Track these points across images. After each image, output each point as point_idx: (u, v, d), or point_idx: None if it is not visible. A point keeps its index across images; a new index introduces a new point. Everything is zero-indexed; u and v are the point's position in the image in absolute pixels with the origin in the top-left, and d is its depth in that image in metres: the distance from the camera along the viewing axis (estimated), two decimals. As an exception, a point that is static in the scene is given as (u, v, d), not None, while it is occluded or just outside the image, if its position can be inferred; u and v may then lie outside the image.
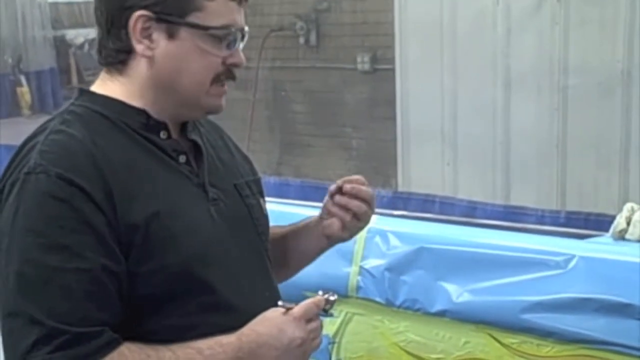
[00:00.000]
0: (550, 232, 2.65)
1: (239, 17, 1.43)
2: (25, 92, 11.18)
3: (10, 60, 11.32)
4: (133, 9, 1.36)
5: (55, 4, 12.07)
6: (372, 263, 2.23)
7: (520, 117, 5.17)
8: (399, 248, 2.19)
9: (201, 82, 1.42)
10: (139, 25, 1.37)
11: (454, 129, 5.49)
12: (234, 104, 7.03)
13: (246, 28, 1.46)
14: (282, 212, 2.40)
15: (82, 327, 1.25)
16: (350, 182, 1.60)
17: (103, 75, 1.46)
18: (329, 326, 2.18)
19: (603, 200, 4.77)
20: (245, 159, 1.67)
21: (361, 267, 2.23)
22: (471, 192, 5.21)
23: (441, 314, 2.03)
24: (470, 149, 5.44)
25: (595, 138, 4.92)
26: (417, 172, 5.72)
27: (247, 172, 1.63)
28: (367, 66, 6.39)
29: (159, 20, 1.37)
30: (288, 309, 1.40)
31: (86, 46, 11.64)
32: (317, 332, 1.42)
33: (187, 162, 1.45)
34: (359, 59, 6.42)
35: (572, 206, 4.77)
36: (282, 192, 4.27)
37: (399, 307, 2.15)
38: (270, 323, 1.38)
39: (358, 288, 2.21)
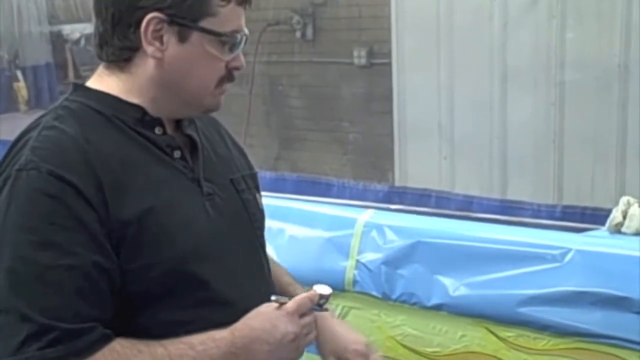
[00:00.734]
0: (546, 225, 2.65)
1: (243, 22, 1.44)
2: (21, 87, 11.17)
3: (6, 56, 11.30)
4: (146, 9, 1.36)
5: (52, -2, 12.05)
6: (368, 257, 2.23)
7: (517, 111, 5.17)
8: (395, 242, 2.19)
9: (207, 86, 1.42)
10: (151, 27, 1.36)
11: (450, 123, 5.49)
12: (230, 99, 6.98)
13: (247, 31, 1.46)
14: (278, 206, 2.40)
15: (73, 324, 1.25)
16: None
17: (101, 70, 1.45)
18: (326, 320, 2.17)
19: (600, 194, 4.77)
20: (242, 153, 1.67)
21: (357, 261, 2.23)
22: (468, 186, 5.21)
23: (438, 307, 2.03)
24: (467, 143, 5.44)
25: (593, 132, 4.91)
26: (414, 167, 5.72)
27: (243, 166, 1.63)
28: (363, 60, 6.38)
29: (171, 23, 1.37)
30: (282, 304, 1.40)
31: (82, 41, 11.61)
32: (310, 327, 1.42)
33: (182, 157, 1.45)
34: (355, 53, 6.40)
35: (569, 200, 4.77)
36: (279, 187, 4.26)
37: (395, 301, 2.15)
38: (264, 318, 1.38)
39: (354, 282, 2.21)
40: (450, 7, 5.34)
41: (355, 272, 2.24)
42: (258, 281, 1.52)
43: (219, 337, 1.35)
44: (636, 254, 1.88)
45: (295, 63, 6.89)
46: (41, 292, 1.25)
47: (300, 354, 1.43)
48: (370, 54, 6.35)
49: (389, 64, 5.83)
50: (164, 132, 1.44)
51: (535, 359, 1.91)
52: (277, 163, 6.98)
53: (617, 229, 2.10)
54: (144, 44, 1.37)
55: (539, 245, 2.00)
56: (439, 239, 2.12)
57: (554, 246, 1.97)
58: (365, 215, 2.29)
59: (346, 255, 2.25)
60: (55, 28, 11.79)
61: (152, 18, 1.36)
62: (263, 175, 4.21)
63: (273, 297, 1.41)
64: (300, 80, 6.92)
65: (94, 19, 1.44)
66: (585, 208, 4.06)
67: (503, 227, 2.32)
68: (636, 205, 2.09)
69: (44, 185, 1.27)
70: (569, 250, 1.94)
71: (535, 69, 5.06)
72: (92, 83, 1.44)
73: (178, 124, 1.49)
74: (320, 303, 1.43)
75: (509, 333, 1.95)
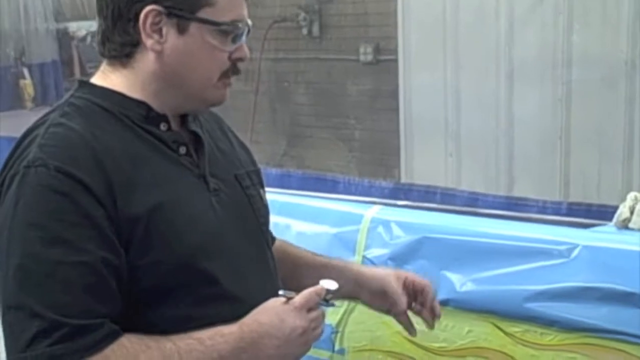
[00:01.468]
0: (553, 221, 2.65)
1: (244, 12, 1.44)
2: (27, 84, 11.17)
3: (12, 53, 11.31)
4: (144, 2, 1.36)
5: (58, -4, 12.05)
6: (375, 253, 2.22)
7: (524, 108, 5.16)
8: (402, 238, 2.18)
9: (209, 78, 1.42)
10: (149, 20, 1.37)
11: (456, 120, 5.48)
12: (236, 96, 7.03)
13: (249, 21, 1.46)
14: (285, 202, 2.40)
15: (82, 320, 1.25)
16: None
17: (104, 67, 1.45)
18: (332, 315, 2.18)
19: (606, 191, 4.76)
20: (245, 149, 1.67)
21: (364, 257, 2.23)
22: (474, 183, 5.21)
23: (444, 303, 2.03)
24: (473, 140, 5.44)
25: (599, 129, 4.90)
26: (420, 164, 5.72)
27: (247, 162, 1.63)
28: (369, 57, 6.38)
29: (169, 15, 1.37)
30: (289, 299, 1.40)
31: (88, 38, 11.60)
32: (318, 322, 1.42)
33: (188, 154, 1.45)
34: (361, 50, 6.40)
35: (575, 197, 4.76)
36: (284, 184, 4.26)
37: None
38: (272, 312, 1.38)
39: (361, 278, 2.20)
40: (456, 4, 5.34)
41: (362, 267, 2.23)
42: (264, 277, 1.52)
43: (227, 332, 1.35)
44: (643, 249, 1.88)
45: (302, 60, 6.90)
46: (51, 288, 1.25)
47: (308, 349, 1.43)
48: (377, 51, 6.35)
49: (395, 61, 5.84)
50: (169, 128, 1.44)
51: (542, 354, 1.91)
52: (283, 160, 6.98)
53: (624, 225, 2.09)
54: (143, 37, 1.38)
55: (546, 241, 1.99)
56: (445, 235, 2.11)
57: (560, 242, 1.97)
58: (371, 211, 2.28)
59: (353, 250, 2.25)
60: (62, 25, 11.80)
61: (150, 10, 1.36)
62: (269, 172, 4.21)
63: (280, 292, 1.42)
64: (306, 77, 6.92)
65: (97, 17, 1.45)
66: (590, 205, 4.06)
67: (510, 223, 2.31)
68: (643, 201, 2.09)
69: (52, 182, 1.28)
70: (576, 245, 1.94)
71: (541, 66, 5.06)
72: (97, 80, 1.45)
73: (183, 120, 1.49)
74: (327, 298, 1.43)
75: (515, 328, 1.94)
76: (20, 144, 1.36)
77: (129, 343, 1.29)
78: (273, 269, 1.57)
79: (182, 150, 1.45)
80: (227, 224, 1.46)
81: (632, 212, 2.08)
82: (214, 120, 1.63)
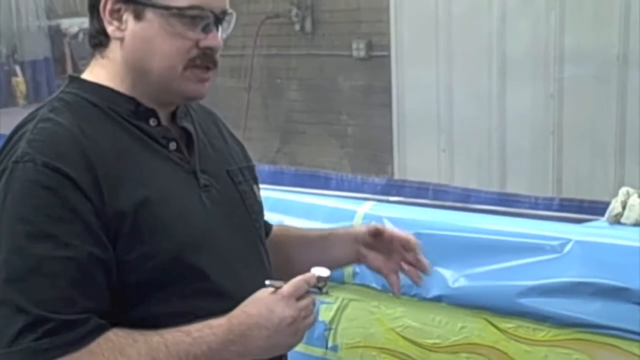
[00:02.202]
0: (546, 217, 2.65)
1: (214, 0, 1.41)
2: (20, 82, 11.16)
3: (4, 50, 11.29)
4: None
5: (49, -7, 12.02)
6: (367, 249, 2.22)
7: (516, 103, 5.17)
8: (394, 234, 2.18)
9: (172, 66, 1.40)
10: (109, 6, 1.39)
11: (449, 116, 5.49)
12: (229, 92, 7.02)
13: (229, 11, 1.44)
14: (278, 198, 2.39)
15: (67, 315, 1.24)
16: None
17: (92, 61, 1.46)
18: (325, 312, 2.18)
19: (599, 187, 4.77)
20: (239, 145, 1.67)
21: (357, 253, 2.22)
22: (467, 179, 5.21)
23: (437, 299, 2.03)
24: (466, 136, 5.44)
25: (591, 124, 4.91)
26: (413, 160, 5.72)
27: (240, 158, 1.62)
28: (362, 53, 6.37)
29: (127, 1, 1.37)
30: (277, 288, 1.39)
31: (81, 35, 11.58)
32: (308, 310, 1.41)
33: (178, 149, 1.45)
34: (354, 46, 6.40)
35: (567, 193, 4.76)
36: (277, 181, 4.25)
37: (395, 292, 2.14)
38: (260, 303, 1.37)
39: (354, 274, 2.20)
40: (448, 0, 5.34)
41: (355, 264, 2.23)
42: (256, 272, 1.51)
43: (216, 324, 1.35)
44: (636, 244, 1.87)
45: (294, 56, 6.89)
46: (36, 283, 1.24)
47: (300, 339, 1.41)
48: (369, 47, 6.34)
49: (388, 57, 5.84)
50: (159, 124, 1.43)
51: (535, 350, 1.91)
52: (276, 156, 6.98)
53: (616, 220, 2.09)
54: (106, 24, 1.39)
55: (538, 236, 1.99)
56: (438, 231, 2.11)
57: (553, 237, 1.97)
58: (364, 207, 2.28)
59: (345, 247, 2.24)
60: (54, 22, 11.77)
61: None
62: (262, 168, 4.20)
63: (267, 282, 1.40)
64: (298, 73, 6.91)
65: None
66: (582, 201, 4.05)
67: (502, 219, 2.31)
68: (635, 195, 2.08)
69: (40, 177, 1.28)
70: (569, 241, 1.94)
71: (533, 61, 5.06)
72: (86, 75, 1.46)
73: (173, 115, 1.48)
74: (319, 286, 1.41)
75: (508, 324, 1.94)
76: (10, 140, 1.36)
77: (115, 337, 1.29)
78: (266, 264, 1.57)
79: (172, 146, 1.44)
80: (217, 219, 1.45)
81: (624, 207, 2.08)
82: (209, 116, 1.62)
